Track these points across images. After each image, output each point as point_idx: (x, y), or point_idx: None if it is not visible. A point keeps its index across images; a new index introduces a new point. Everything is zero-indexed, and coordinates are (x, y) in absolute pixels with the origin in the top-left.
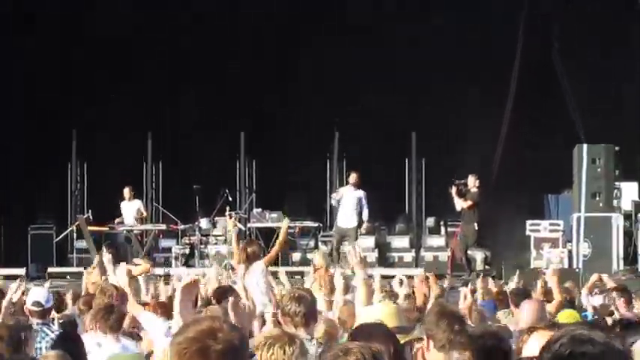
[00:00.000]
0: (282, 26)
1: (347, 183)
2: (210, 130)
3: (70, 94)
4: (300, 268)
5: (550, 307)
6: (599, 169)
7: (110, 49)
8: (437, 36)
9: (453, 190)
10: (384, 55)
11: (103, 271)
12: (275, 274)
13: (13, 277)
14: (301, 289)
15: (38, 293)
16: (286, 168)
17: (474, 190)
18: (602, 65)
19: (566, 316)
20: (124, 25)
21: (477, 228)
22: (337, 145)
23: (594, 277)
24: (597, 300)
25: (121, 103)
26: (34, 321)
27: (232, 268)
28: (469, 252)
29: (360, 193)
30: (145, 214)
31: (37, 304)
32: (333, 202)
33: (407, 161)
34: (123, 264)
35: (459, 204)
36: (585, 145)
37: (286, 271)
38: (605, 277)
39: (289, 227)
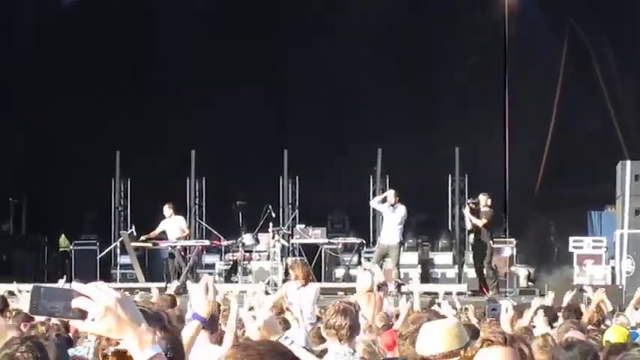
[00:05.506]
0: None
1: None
2: (253, 147)
3: (114, 111)
4: (343, 285)
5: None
6: None
7: (150, 67)
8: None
9: (467, 209)
10: (425, 73)
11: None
12: None
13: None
14: (346, 302)
15: None
16: (329, 184)
17: (485, 209)
18: None
19: (616, 332)
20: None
21: (492, 246)
22: (380, 161)
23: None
24: None
25: (164, 119)
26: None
27: (275, 284)
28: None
29: (402, 209)
30: (187, 231)
31: None
32: (373, 204)
33: (450, 177)
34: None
35: (473, 222)
36: (629, 162)
37: (328, 287)
38: None
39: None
